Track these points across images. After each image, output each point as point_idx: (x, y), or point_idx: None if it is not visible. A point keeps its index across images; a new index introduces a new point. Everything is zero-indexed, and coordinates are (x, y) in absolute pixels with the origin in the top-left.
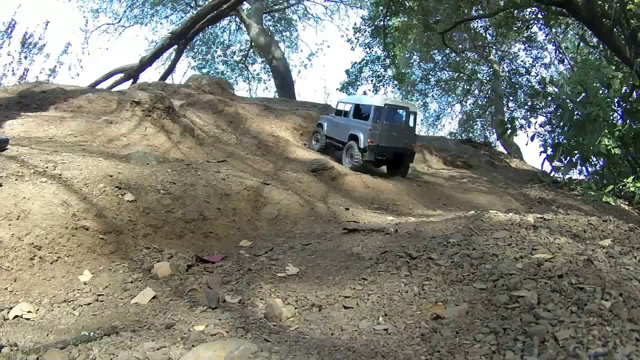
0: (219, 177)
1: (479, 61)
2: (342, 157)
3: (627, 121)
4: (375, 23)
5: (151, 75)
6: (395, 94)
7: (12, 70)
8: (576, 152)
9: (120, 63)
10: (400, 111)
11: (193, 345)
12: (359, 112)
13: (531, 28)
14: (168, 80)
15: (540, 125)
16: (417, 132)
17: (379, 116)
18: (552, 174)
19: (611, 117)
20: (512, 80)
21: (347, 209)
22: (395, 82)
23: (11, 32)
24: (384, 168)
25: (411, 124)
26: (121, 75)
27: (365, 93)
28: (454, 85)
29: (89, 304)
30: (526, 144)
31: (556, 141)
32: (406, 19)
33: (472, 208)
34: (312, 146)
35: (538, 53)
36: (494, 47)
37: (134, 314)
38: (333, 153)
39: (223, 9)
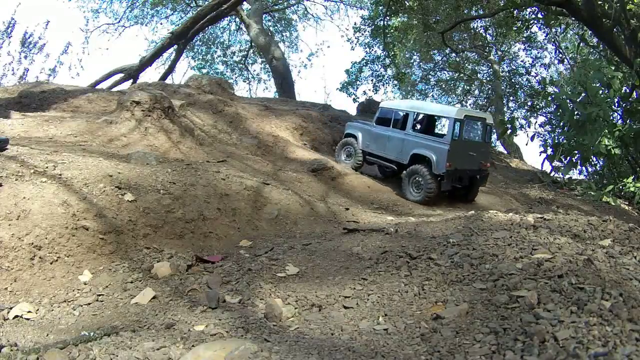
0: (219, 177)
1: (479, 61)
2: (403, 186)
3: (627, 121)
4: (375, 23)
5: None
6: (395, 94)
7: (12, 70)
8: (576, 152)
9: (120, 63)
10: (478, 123)
11: (193, 345)
12: (426, 124)
13: (531, 28)
14: (168, 80)
15: (540, 125)
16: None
17: (460, 131)
18: (552, 174)
19: (611, 117)
20: (512, 80)
21: (347, 209)
22: (395, 82)
23: (11, 31)
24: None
25: (487, 138)
26: (121, 75)
27: (365, 93)
28: (454, 85)
29: (89, 304)
30: (526, 144)
31: (556, 141)
32: (406, 19)
33: (472, 208)
34: (342, 161)
35: (538, 53)
36: (494, 47)
37: (134, 314)
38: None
39: (223, 9)
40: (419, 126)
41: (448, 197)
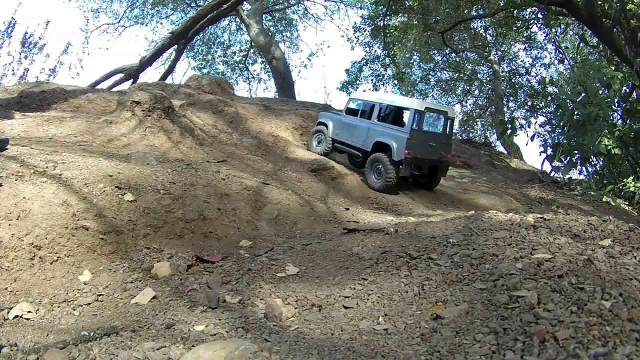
0: (219, 177)
1: (479, 61)
2: (366, 174)
3: (627, 121)
4: (375, 22)
5: (151, 75)
6: (395, 94)
7: (12, 70)
8: (576, 152)
9: (120, 63)
10: (439, 116)
11: (193, 345)
12: (390, 114)
13: (531, 28)
14: (168, 80)
15: (540, 125)
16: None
17: (419, 122)
18: (552, 174)
19: (611, 117)
20: (512, 80)
21: (347, 209)
22: (395, 81)
23: (11, 31)
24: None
25: (448, 131)
26: (121, 75)
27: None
28: (454, 85)
29: (89, 304)
30: (526, 144)
31: (556, 141)
32: (406, 19)
33: (472, 208)
34: (312, 148)
35: (538, 53)
36: (494, 47)
37: (134, 314)
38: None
39: (223, 9)
40: (384, 116)
41: (412, 185)
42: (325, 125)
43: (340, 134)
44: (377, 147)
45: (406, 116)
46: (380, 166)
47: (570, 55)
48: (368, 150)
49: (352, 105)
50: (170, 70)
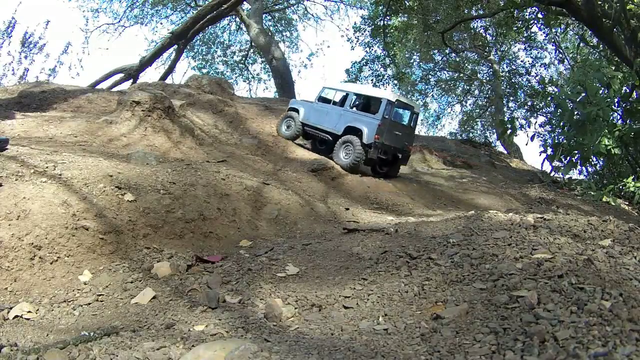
0: (219, 177)
1: (479, 61)
2: (335, 152)
3: (627, 121)
4: (375, 22)
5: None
6: (395, 94)
7: (12, 70)
8: (576, 152)
9: (120, 63)
10: (406, 110)
11: (193, 345)
12: (362, 103)
13: (531, 28)
14: (168, 80)
15: (540, 125)
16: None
17: (390, 111)
18: (552, 174)
19: (611, 117)
20: (512, 80)
21: (347, 209)
22: (395, 81)
23: (11, 31)
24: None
25: (413, 124)
26: (121, 75)
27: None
28: (454, 85)
29: (89, 304)
30: (526, 144)
31: (556, 141)
32: (406, 19)
33: (472, 208)
34: (281, 133)
35: (538, 53)
36: (494, 47)
37: (134, 314)
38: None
39: (223, 9)
40: (356, 105)
41: (372, 172)
42: (296, 110)
43: (311, 119)
44: (348, 131)
45: (377, 106)
46: (350, 147)
47: (570, 55)
48: (339, 133)
49: (325, 94)
50: (170, 70)
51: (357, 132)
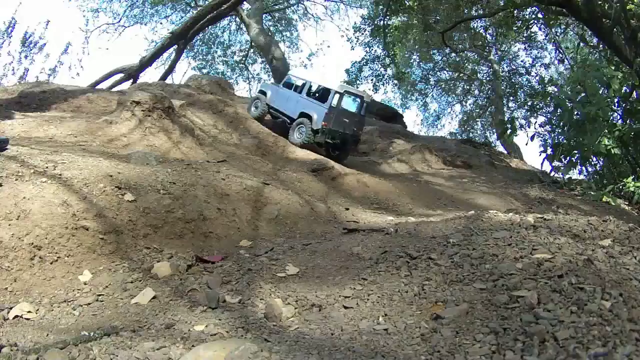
0: (219, 177)
1: (479, 61)
2: (290, 132)
3: (627, 121)
4: (375, 22)
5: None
6: (395, 94)
7: (12, 70)
8: (576, 152)
9: (120, 63)
10: (356, 99)
11: (193, 345)
12: (316, 92)
13: (531, 28)
14: (168, 80)
15: (540, 125)
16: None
17: (338, 102)
18: (552, 174)
19: (611, 117)
20: (512, 80)
21: (347, 209)
22: (395, 81)
23: (11, 31)
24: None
25: (363, 112)
26: (121, 75)
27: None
28: (454, 85)
29: (89, 304)
30: (526, 144)
31: (556, 141)
32: (406, 19)
33: (472, 208)
34: (250, 112)
35: (538, 53)
36: (494, 47)
37: (134, 314)
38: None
39: (223, 9)
40: (312, 93)
41: (325, 155)
42: (265, 93)
43: (275, 102)
44: (302, 116)
45: (327, 96)
46: (303, 128)
47: (570, 55)
48: (294, 117)
49: (289, 80)
50: (170, 70)
51: (310, 118)
